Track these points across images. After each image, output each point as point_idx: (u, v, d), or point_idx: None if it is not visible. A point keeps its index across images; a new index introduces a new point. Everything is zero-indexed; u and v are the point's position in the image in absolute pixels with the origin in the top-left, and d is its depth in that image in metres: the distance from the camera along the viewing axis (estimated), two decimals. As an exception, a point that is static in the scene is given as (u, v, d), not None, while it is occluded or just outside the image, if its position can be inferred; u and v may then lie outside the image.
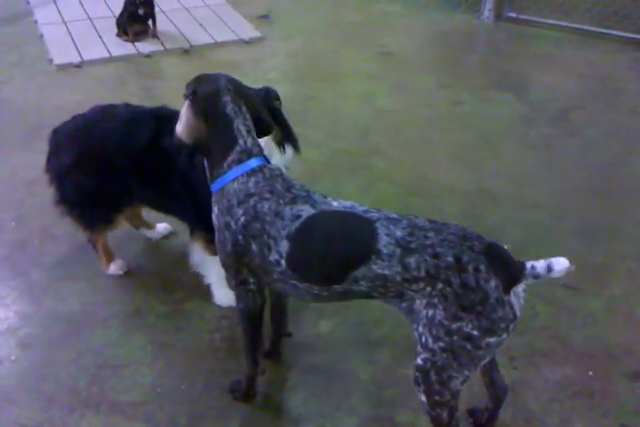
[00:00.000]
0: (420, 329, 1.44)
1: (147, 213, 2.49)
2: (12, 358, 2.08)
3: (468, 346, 1.40)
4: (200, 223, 2.06)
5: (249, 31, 4.55)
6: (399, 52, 4.32)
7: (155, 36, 4.34)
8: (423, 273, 1.40)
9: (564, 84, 3.91)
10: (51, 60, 4.05)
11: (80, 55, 4.11)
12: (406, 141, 3.35)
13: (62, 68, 3.99)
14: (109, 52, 4.16)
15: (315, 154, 3.08)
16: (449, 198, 2.90)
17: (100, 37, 4.36)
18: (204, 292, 2.31)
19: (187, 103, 1.62)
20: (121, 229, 2.39)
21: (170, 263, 2.50)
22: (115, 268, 2.39)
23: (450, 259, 1.39)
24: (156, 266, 2.50)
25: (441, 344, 1.41)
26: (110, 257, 2.40)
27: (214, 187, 1.65)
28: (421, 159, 3.20)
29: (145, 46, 4.25)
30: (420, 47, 4.48)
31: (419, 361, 1.46)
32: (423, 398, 1.50)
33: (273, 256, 1.53)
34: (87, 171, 2.12)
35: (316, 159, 3.07)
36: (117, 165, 2.09)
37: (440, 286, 1.39)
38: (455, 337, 1.39)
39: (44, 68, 3.98)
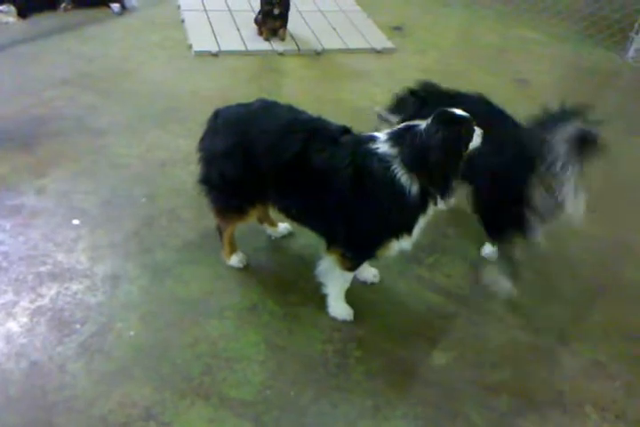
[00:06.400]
0: None
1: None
2: (132, 333, 2.12)
3: None
4: (347, 244, 2.06)
5: (381, 41, 4.52)
6: (535, 81, 4.15)
7: (282, 38, 4.34)
8: None
9: None
10: (190, 46, 4.19)
11: (218, 45, 4.22)
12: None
13: (200, 55, 4.12)
14: (245, 46, 4.26)
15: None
16: (580, 245, 2.73)
17: (238, 30, 4.47)
18: (319, 300, 2.27)
19: None
20: (245, 224, 2.39)
21: (287, 265, 2.49)
22: (236, 260, 2.41)
23: None
24: (274, 265, 2.49)
25: None
26: (233, 248, 2.41)
27: None
28: (553, 197, 3.03)
29: (279, 44, 4.32)
30: (558, 79, 4.29)
31: None
32: None
33: None
34: (236, 161, 2.13)
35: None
36: (265, 166, 2.08)
37: None
38: None
39: (183, 53, 4.12)
